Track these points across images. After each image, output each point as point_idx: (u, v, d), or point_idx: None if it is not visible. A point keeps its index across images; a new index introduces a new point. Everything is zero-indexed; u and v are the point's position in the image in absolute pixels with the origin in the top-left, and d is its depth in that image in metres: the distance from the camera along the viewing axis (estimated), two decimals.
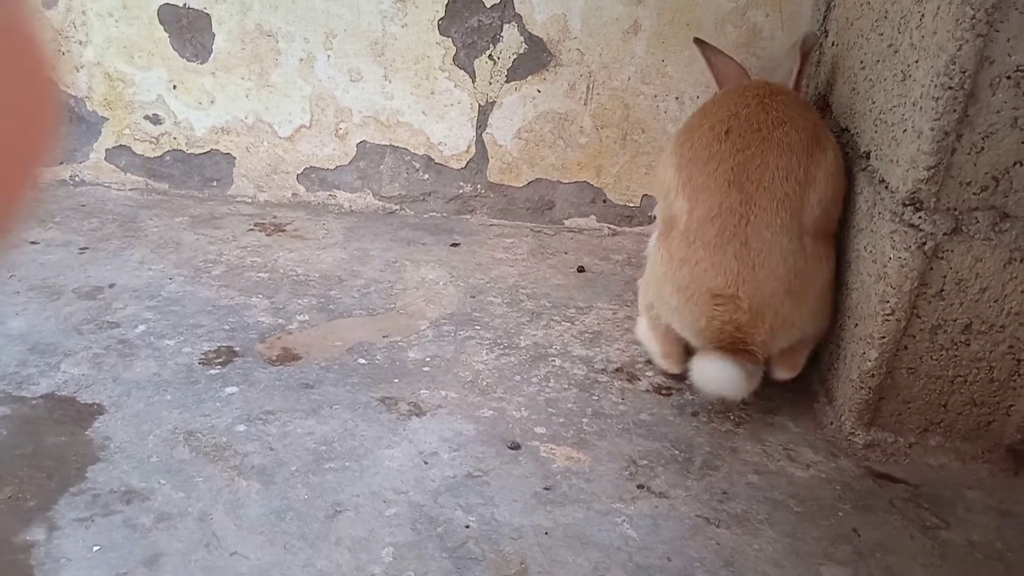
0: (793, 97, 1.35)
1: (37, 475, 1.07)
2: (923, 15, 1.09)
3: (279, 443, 1.16)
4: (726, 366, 1.18)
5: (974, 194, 1.07)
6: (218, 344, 1.38)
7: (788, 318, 1.23)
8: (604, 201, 1.86)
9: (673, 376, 1.35)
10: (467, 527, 1.04)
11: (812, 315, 1.26)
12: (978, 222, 1.08)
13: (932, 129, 1.04)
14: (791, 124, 1.27)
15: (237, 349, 1.37)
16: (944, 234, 1.08)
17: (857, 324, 1.21)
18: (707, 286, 1.23)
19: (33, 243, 1.67)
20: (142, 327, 1.41)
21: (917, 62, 1.10)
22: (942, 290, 1.11)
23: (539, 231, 1.87)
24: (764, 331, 1.21)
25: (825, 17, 1.60)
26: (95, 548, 0.97)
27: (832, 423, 1.26)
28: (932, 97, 1.04)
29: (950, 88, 1.01)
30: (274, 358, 1.35)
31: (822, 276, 1.26)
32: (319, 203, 1.92)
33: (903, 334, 1.15)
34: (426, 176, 1.88)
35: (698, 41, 1.54)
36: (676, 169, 1.31)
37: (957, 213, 1.08)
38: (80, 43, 1.82)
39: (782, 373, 1.30)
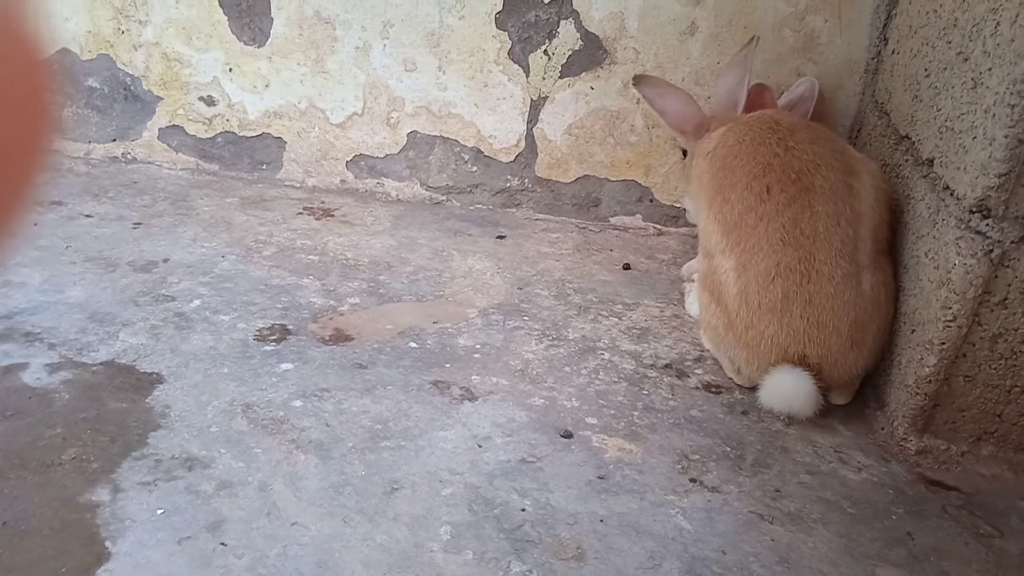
0: (806, 125, 1.39)
1: (100, 439, 1.09)
2: (999, 23, 1.09)
3: (335, 420, 1.17)
4: (799, 380, 1.20)
5: None
6: (272, 322, 1.39)
7: (854, 365, 1.25)
8: (651, 200, 1.87)
9: (752, 390, 1.34)
10: (523, 510, 1.05)
11: (874, 351, 1.28)
12: None
13: (1006, 136, 1.04)
14: (825, 165, 1.28)
15: (290, 327, 1.38)
16: (1012, 242, 1.08)
17: (914, 330, 1.21)
18: (775, 349, 1.24)
19: (87, 216, 1.69)
20: (197, 301, 1.43)
21: (990, 70, 1.10)
22: (1006, 298, 1.11)
23: (584, 227, 1.88)
24: (832, 379, 1.24)
25: (886, 25, 1.60)
26: (159, 511, 0.99)
27: (884, 428, 1.26)
28: (1007, 104, 1.04)
29: None
30: (327, 338, 1.37)
31: (883, 310, 1.26)
32: (367, 190, 1.94)
33: (963, 341, 1.14)
34: (474, 168, 1.89)
35: (637, 79, 1.59)
36: (722, 231, 1.31)
37: None
38: (140, 23, 1.85)
39: (839, 399, 1.31)
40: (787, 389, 1.21)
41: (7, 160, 0.35)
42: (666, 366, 1.39)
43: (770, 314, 1.24)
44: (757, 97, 1.54)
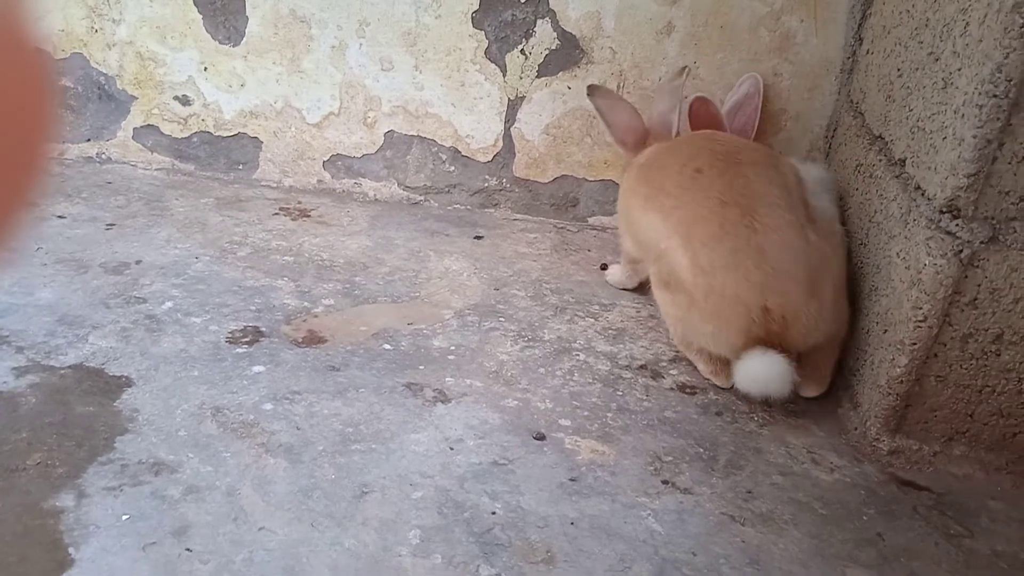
0: (739, 140, 1.47)
1: (66, 443, 1.08)
2: (968, 23, 1.09)
3: (306, 423, 1.16)
4: (771, 362, 1.20)
5: (1013, 204, 1.07)
6: (244, 324, 1.38)
7: (814, 317, 1.24)
8: None
9: (728, 390, 1.34)
10: (493, 513, 1.04)
11: (832, 312, 1.28)
12: (1015, 232, 1.08)
13: (975, 137, 1.04)
14: (751, 149, 1.40)
15: (263, 329, 1.37)
16: (981, 242, 1.08)
17: (887, 330, 1.22)
18: (737, 308, 1.24)
19: (60, 217, 1.67)
20: (169, 304, 1.41)
21: (960, 70, 1.10)
22: (976, 299, 1.11)
23: (562, 227, 1.88)
24: (797, 336, 1.22)
25: (860, 24, 1.60)
26: (124, 517, 0.97)
27: (856, 428, 1.26)
28: (976, 105, 1.04)
29: (995, 96, 1.01)
30: (300, 340, 1.36)
31: (833, 272, 1.29)
32: (344, 191, 1.93)
33: (934, 341, 1.15)
34: (452, 168, 1.88)
35: (591, 89, 1.61)
36: (662, 216, 1.35)
37: (995, 222, 1.08)
38: (113, 21, 1.83)
39: (809, 390, 1.31)
40: (761, 371, 1.22)
41: (7, 165, 0.34)
42: (641, 367, 1.39)
43: (724, 271, 1.25)
44: (701, 110, 1.55)
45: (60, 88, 1.87)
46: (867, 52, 1.55)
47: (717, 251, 1.26)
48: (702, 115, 1.59)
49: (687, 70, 1.58)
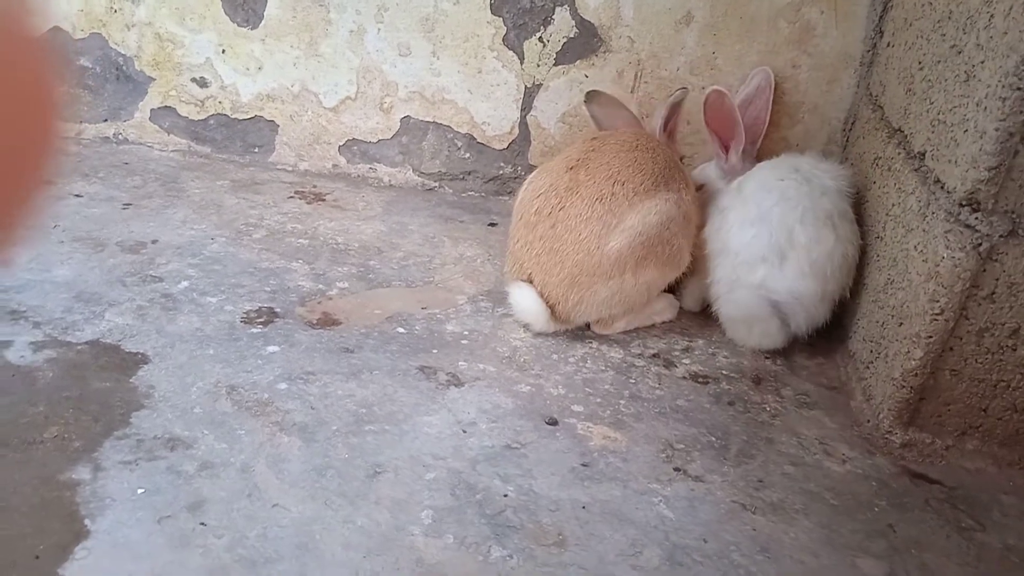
0: (657, 143, 1.48)
1: (83, 418, 1.08)
2: (992, 15, 1.08)
3: (320, 403, 1.17)
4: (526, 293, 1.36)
5: None
6: (259, 304, 1.39)
7: (575, 307, 1.36)
8: None
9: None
10: (505, 496, 1.05)
11: (602, 308, 1.38)
12: None
13: (997, 130, 1.03)
14: (645, 148, 1.42)
15: (278, 310, 1.38)
16: (1000, 236, 1.08)
17: (902, 323, 1.21)
18: (515, 260, 1.39)
19: (77, 196, 1.68)
20: (185, 283, 1.42)
21: (983, 63, 1.09)
22: (993, 292, 1.11)
23: None
24: (561, 313, 1.38)
25: (881, 17, 1.59)
26: (139, 491, 0.98)
27: (869, 421, 1.26)
28: (999, 97, 1.03)
29: (1019, 89, 1.01)
30: (314, 321, 1.36)
31: (624, 288, 1.36)
32: (359, 175, 1.93)
33: (950, 335, 1.14)
34: (467, 155, 1.88)
35: (589, 96, 1.66)
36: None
37: (1015, 216, 1.07)
38: (133, 2, 1.83)
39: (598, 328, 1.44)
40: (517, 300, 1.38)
41: (19, 148, 0.35)
42: (654, 355, 1.39)
43: (523, 228, 1.38)
44: (716, 103, 1.55)
45: (69, 70, 1.88)
46: (887, 45, 1.54)
47: (528, 205, 1.39)
48: (717, 108, 1.59)
49: (687, 91, 1.59)
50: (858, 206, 1.46)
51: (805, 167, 1.42)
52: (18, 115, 0.34)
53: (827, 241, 1.34)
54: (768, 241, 1.35)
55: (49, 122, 0.37)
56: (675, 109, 1.57)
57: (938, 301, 1.12)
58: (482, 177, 1.90)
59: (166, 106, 1.92)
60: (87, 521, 0.93)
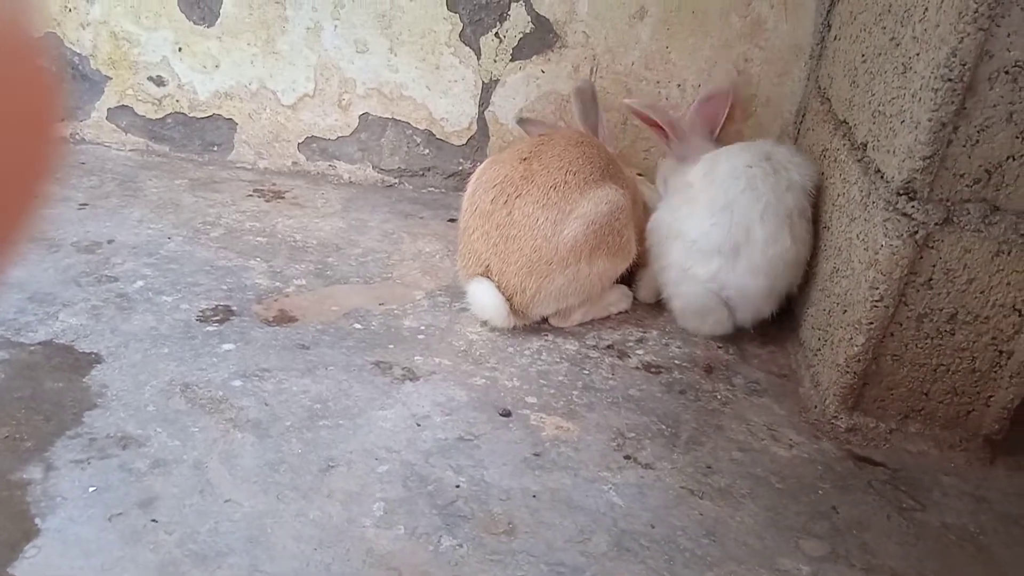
0: (600, 143, 1.53)
1: (35, 417, 1.09)
2: (927, 8, 1.11)
3: (274, 399, 1.18)
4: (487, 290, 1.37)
5: (967, 186, 1.09)
6: (215, 303, 1.39)
7: (533, 296, 1.36)
8: None
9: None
10: (457, 487, 1.06)
11: (559, 297, 1.39)
12: (969, 214, 1.10)
13: (930, 120, 1.06)
14: (590, 144, 1.47)
15: (234, 308, 1.38)
16: (936, 224, 1.11)
17: (846, 310, 1.24)
18: (470, 253, 1.40)
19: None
20: (140, 282, 1.42)
21: (918, 54, 1.12)
22: (930, 279, 1.14)
23: None
24: (518, 305, 1.38)
25: (829, 11, 1.62)
26: (91, 489, 0.99)
27: (816, 406, 1.29)
28: (931, 89, 1.06)
29: (949, 80, 1.04)
30: (271, 319, 1.37)
31: (579, 277, 1.38)
32: (318, 173, 1.93)
33: (890, 321, 1.17)
34: (426, 151, 1.89)
35: (521, 121, 1.76)
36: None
37: (949, 204, 1.10)
38: (87, 0, 1.82)
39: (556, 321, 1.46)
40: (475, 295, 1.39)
41: (19, 168, 0.34)
42: (608, 347, 1.41)
43: (479, 218, 1.40)
44: (637, 112, 1.60)
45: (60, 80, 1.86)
46: (835, 38, 1.57)
47: (483, 196, 1.41)
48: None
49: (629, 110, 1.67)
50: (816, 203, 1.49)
51: (778, 156, 1.41)
52: (17, 124, 0.34)
53: (783, 242, 1.35)
54: (726, 233, 1.36)
55: (48, 131, 0.36)
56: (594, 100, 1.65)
57: (878, 288, 1.16)
58: (441, 173, 1.91)
59: (123, 105, 1.91)
60: (37, 520, 0.94)
